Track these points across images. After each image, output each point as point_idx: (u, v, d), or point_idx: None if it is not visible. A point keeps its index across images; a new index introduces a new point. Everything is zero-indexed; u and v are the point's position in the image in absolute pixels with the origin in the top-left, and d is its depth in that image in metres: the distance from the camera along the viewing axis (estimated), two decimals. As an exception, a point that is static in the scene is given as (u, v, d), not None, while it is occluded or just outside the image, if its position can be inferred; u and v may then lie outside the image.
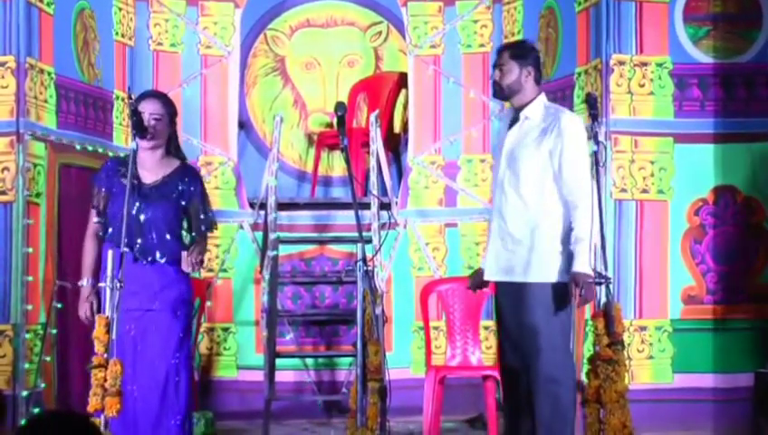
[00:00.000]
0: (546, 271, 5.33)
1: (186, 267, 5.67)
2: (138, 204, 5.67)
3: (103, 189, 5.76)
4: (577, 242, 5.29)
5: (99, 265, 5.74)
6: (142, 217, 5.70)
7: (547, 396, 5.26)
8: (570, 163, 5.38)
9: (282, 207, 8.41)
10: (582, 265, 5.25)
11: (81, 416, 3.11)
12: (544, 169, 5.41)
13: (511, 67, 5.59)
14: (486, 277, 5.61)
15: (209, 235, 5.92)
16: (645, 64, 7.09)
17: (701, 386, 6.96)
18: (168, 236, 5.75)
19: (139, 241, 5.67)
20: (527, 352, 5.33)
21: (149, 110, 5.72)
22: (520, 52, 5.66)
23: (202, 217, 5.81)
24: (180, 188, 5.78)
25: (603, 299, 5.18)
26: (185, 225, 5.85)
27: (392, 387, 5.62)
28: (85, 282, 5.73)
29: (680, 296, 7.09)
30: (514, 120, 5.59)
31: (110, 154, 7.68)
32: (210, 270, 8.28)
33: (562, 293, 5.29)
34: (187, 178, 5.82)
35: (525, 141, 5.46)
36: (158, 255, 5.70)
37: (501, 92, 5.64)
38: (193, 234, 5.81)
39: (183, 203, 5.78)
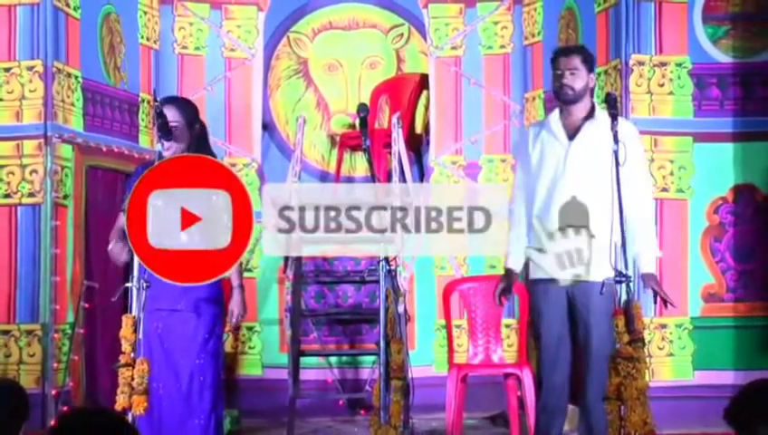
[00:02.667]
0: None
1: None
2: None
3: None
4: (645, 242, 5.49)
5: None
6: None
7: (600, 389, 5.29)
8: (637, 168, 5.49)
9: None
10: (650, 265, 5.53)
11: (115, 413, 3.12)
12: (610, 172, 5.43)
13: (581, 72, 5.60)
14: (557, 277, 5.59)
15: None
16: (664, 64, 7.08)
17: (721, 383, 6.92)
18: (193, 235, 5.78)
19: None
20: (594, 352, 5.37)
21: (168, 117, 5.75)
22: (589, 58, 5.68)
23: None
24: None
25: (624, 297, 5.17)
26: None
27: (415, 385, 5.62)
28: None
29: (700, 294, 7.08)
30: (571, 126, 5.60)
31: (135, 156, 7.73)
32: (235, 270, 8.30)
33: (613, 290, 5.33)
34: None
35: (593, 145, 5.46)
36: (183, 253, 5.73)
37: (572, 96, 5.59)
38: None
39: None
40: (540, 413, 5.73)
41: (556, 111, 5.73)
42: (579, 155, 5.53)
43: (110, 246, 5.84)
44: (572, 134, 5.61)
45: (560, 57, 5.70)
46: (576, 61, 5.62)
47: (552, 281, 5.58)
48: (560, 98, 5.68)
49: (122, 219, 5.80)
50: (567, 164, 5.57)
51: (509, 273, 5.80)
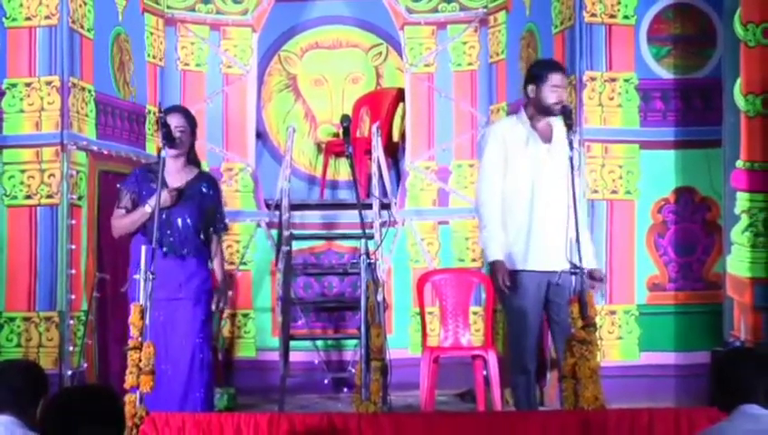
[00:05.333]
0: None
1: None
2: (166, 206, 5.71)
3: (133, 193, 5.79)
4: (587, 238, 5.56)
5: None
6: (171, 217, 5.73)
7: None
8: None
9: (294, 207, 8.43)
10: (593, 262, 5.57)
11: (102, 387, 3.09)
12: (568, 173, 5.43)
13: (565, 88, 5.61)
14: (550, 268, 5.51)
15: (223, 236, 6.12)
16: (614, 80, 7.10)
17: (664, 363, 6.96)
18: (192, 233, 5.79)
19: (169, 238, 5.71)
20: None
21: (174, 123, 5.75)
22: (566, 72, 5.66)
23: (218, 218, 5.91)
24: (203, 192, 5.83)
25: (578, 287, 5.17)
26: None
27: (392, 365, 5.62)
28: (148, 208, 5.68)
29: (646, 284, 7.09)
30: (544, 132, 5.57)
31: (143, 161, 7.71)
32: (232, 263, 8.29)
33: None
34: (208, 184, 5.91)
35: (562, 148, 5.39)
36: (184, 249, 5.74)
37: (563, 110, 5.47)
38: (211, 230, 5.90)
39: (204, 206, 5.83)
40: (522, 391, 5.62)
41: (524, 115, 5.64)
42: (554, 158, 5.47)
43: (117, 223, 5.85)
44: (547, 139, 5.58)
45: (554, 73, 5.58)
46: (564, 78, 5.59)
47: (537, 272, 5.55)
48: (553, 112, 5.53)
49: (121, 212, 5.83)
50: (547, 166, 5.55)
51: (499, 264, 5.52)
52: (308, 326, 8.57)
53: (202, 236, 5.85)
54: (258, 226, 8.50)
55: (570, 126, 5.38)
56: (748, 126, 6.36)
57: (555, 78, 5.55)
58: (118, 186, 5.95)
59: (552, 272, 5.45)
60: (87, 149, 7.04)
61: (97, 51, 7.26)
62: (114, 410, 2.90)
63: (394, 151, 9.15)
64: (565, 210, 5.30)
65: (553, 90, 5.54)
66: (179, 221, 5.77)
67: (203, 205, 5.83)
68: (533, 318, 5.57)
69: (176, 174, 5.81)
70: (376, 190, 8.06)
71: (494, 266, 5.57)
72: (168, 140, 5.58)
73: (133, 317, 4.84)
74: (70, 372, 6.63)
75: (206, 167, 7.19)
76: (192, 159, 5.95)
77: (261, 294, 8.48)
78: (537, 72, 5.65)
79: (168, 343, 5.58)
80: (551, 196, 5.49)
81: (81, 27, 7.03)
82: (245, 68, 8.71)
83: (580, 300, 5.06)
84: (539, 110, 5.59)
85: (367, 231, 5.52)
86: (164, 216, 5.64)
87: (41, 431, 2.86)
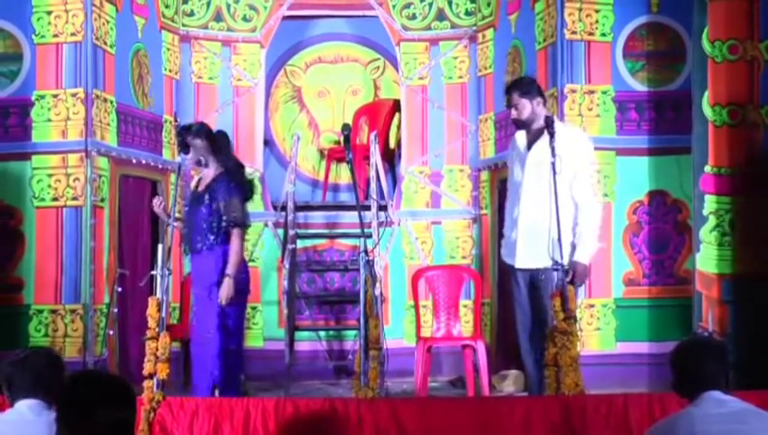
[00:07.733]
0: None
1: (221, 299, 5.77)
2: (188, 207, 5.83)
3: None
4: (580, 235, 5.46)
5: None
6: (190, 218, 5.80)
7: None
8: (580, 174, 5.50)
9: (299, 208, 8.43)
10: (580, 255, 5.46)
11: (114, 375, 3.06)
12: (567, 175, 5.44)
13: (523, 103, 5.53)
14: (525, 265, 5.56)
15: (237, 232, 5.83)
16: (592, 92, 7.10)
17: (638, 352, 6.97)
18: (204, 232, 5.79)
19: (187, 237, 5.79)
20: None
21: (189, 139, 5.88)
22: (527, 88, 5.59)
23: (224, 215, 5.79)
24: (213, 191, 5.84)
25: (560, 283, 5.17)
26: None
27: (389, 354, 5.62)
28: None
29: (622, 279, 7.10)
30: (530, 139, 5.56)
31: (159, 166, 7.73)
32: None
33: None
34: (218, 182, 5.86)
35: (544, 154, 5.33)
36: (198, 246, 5.78)
37: (522, 124, 5.56)
38: (222, 225, 5.82)
39: (213, 205, 5.81)
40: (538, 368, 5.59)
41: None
42: (532, 162, 5.47)
43: (155, 208, 5.89)
44: (530, 145, 5.58)
45: (505, 95, 5.67)
46: (515, 97, 5.56)
47: (522, 269, 5.58)
48: (516, 126, 5.66)
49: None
50: (525, 170, 5.56)
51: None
52: (311, 318, 8.58)
53: (214, 231, 5.81)
54: (265, 225, 8.50)
55: (552, 134, 5.38)
56: (715, 134, 6.36)
57: (506, 99, 5.66)
58: None
59: (538, 269, 5.47)
60: (109, 156, 7.04)
61: (118, 65, 7.26)
62: (129, 395, 2.88)
63: (391, 157, 9.16)
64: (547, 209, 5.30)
65: (509, 109, 5.67)
66: (193, 220, 5.82)
67: (211, 203, 5.82)
68: (527, 306, 5.62)
69: (203, 179, 5.97)
70: (374, 193, 8.05)
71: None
72: (182, 146, 5.68)
73: (151, 310, 4.85)
74: (93, 360, 6.64)
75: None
76: (221, 161, 5.92)
77: (268, 288, 8.48)
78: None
79: (196, 332, 5.72)
80: (533, 198, 5.50)
81: (104, 43, 7.03)
82: (254, 81, 8.70)
83: (562, 294, 5.07)
84: None
85: (365, 231, 5.53)
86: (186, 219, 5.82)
87: (58, 412, 2.82)
